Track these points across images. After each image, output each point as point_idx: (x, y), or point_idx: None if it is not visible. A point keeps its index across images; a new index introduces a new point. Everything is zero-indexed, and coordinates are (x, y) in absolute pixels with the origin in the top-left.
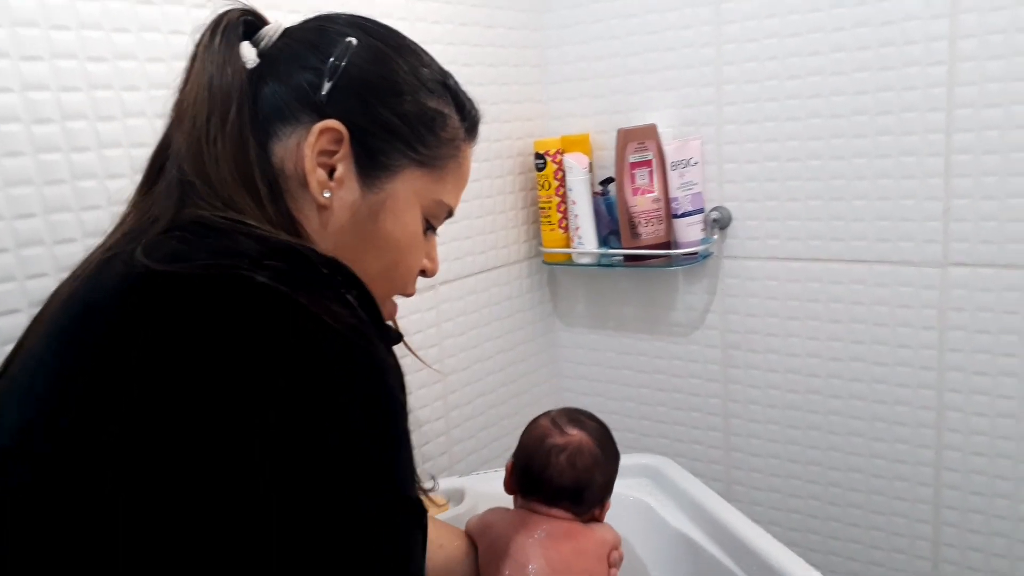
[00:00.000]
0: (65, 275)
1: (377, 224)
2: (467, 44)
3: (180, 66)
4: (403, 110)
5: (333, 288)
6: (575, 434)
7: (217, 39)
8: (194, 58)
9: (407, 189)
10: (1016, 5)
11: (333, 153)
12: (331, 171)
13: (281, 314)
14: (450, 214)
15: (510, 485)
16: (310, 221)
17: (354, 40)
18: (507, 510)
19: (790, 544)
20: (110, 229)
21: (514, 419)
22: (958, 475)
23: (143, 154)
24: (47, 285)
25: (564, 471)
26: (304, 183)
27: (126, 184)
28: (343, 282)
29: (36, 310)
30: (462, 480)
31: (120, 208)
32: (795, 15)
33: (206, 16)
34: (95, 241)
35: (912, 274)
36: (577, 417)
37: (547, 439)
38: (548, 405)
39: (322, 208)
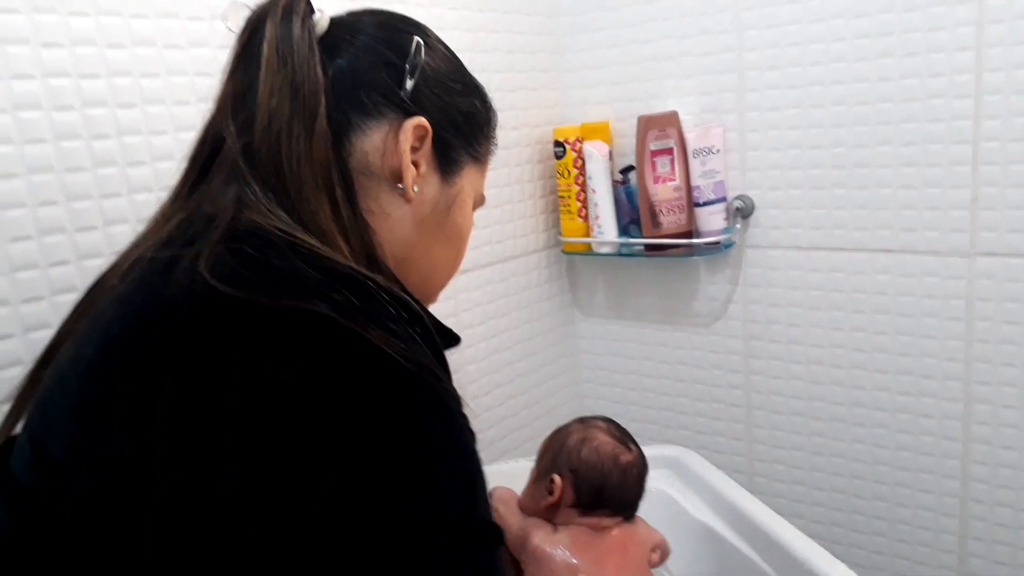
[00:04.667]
0: (88, 263)
1: (450, 217)
2: (484, 30)
3: (199, 53)
4: (467, 108)
5: (399, 323)
6: (635, 448)
7: (296, 28)
8: (255, 45)
9: (467, 183)
10: None
11: (416, 149)
12: (415, 166)
13: (354, 354)
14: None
15: (560, 501)
16: (386, 218)
17: (420, 39)
18: (551, 530)
19: (814, 537)
20: (152, 219)
21: (532, 409)
22: (986, 468)
23: (163, 142)
24: (69, 273)
25: (635, 486)
26: (390, 177)
27: (147, 172)
28: (408, 317)
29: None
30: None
31: (142, 196)
32: (817, 1)
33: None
34: (117, 229)
35: (938, 264)
36: (622, 429)
37: (620, 457)
38: (567, 396)
39: (407, 202)
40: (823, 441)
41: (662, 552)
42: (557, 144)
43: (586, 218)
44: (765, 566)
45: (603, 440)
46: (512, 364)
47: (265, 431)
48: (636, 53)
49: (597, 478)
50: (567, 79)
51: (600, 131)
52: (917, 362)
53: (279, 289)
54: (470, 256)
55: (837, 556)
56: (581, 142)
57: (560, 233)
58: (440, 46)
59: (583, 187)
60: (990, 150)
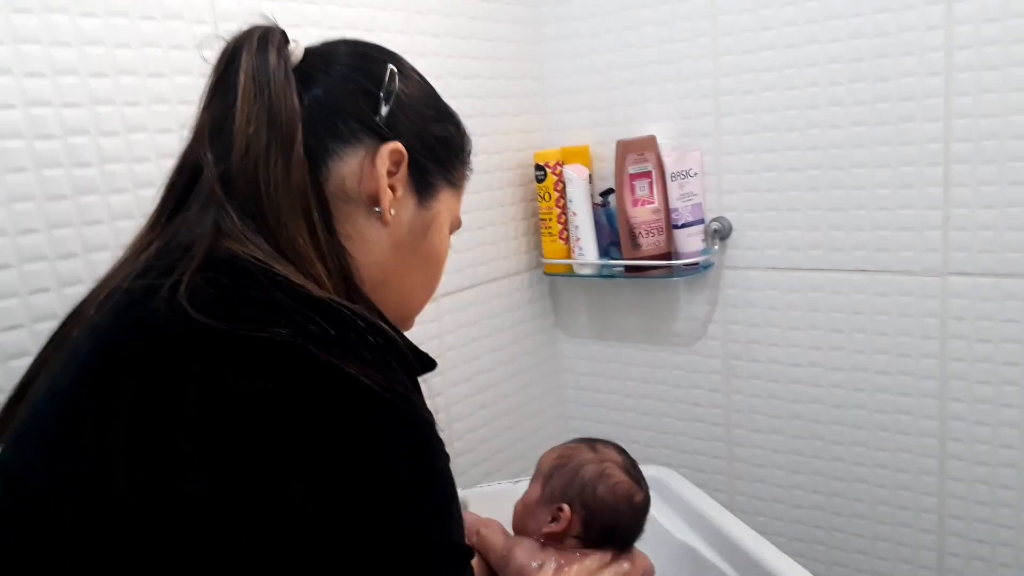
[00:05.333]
0: (69, 291)
1: (427, 240)
2: (466, 57)
3: (182, 81)
4: (441, 134)
5: (373, 350)
6: (644, 485)
7: (271, 58)
8: (231, 75)
9: (443, 207)
10: (1009, 16)
11: (393, 174)
12: (392, 190)
13: (325, 379)
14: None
15: (567, 535)
16: (364, 241)
17: (394, 68)
18: (538, 550)
19: (794, 555)
20: (128, 248)
21: (516, 431)
22: (962, 484)
23: (145, 169)
24: (50, 301)
25: (641, 525)
26: (367, 201)
27: (129, 199)
28: (383, 343)
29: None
30: (464, 492)
31: (124, 223)
32: (791, 27)
33: (233, 29)
34: (98, 257)
35: (912, 283)
36: (631, 460)
37: (635, 498)
38: (551, 416)
39: (384, 225)
40: (802, 459)
41: None
42: (538, 168)
43: (567, 240)
44: None
45: (620, 479)
46: (495, 385)
47: (225, 443)
48: (615, 79)
49: (610, 519)
50: (548, 104)
51: (580, 155)
52: (893, 380)
53: (255, 319)
54: (453, 278)
55: (817, 573)
56: (562, 166)
57: (542, 255)
58: (414, 74)
59: (564, 210)
60: (961, 172)
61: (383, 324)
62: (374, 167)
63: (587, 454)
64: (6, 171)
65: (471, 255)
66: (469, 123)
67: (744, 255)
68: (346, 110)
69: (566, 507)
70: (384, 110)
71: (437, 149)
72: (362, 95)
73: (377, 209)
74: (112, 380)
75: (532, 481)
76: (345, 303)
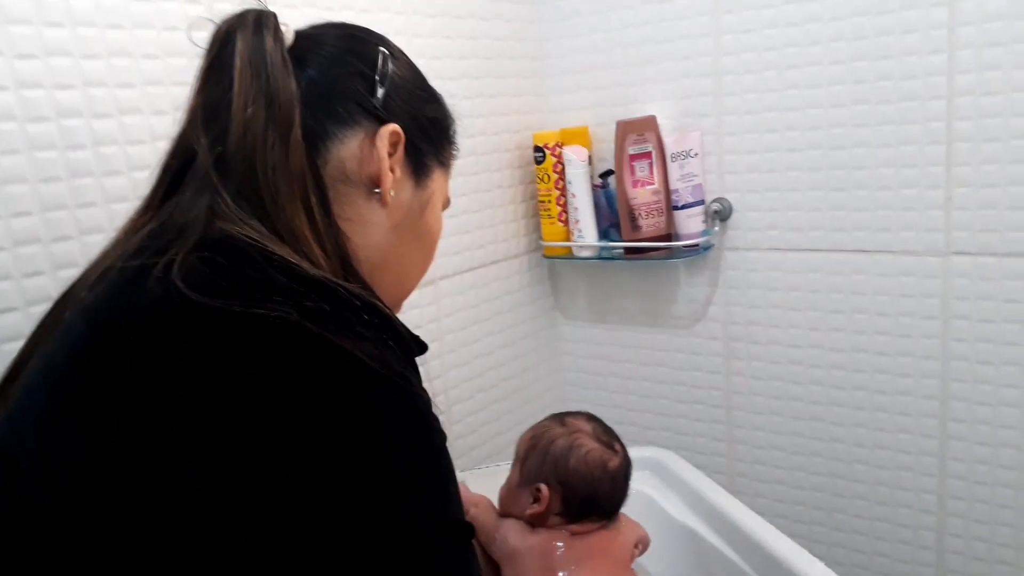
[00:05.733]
0: (63, 273)
1: (423, 220)
2: (463, 37)
3: (175, 63)
4: (433, 115)
5: (370, 328)
6: (619, 448)
7: (267, 41)
8: (225, 58)
9: (436, 187)
10: None
11: (391, 155)
12: (391, 171)
13: (323, 357)
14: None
15: (547, 511)
16: (362, 224)
17: (385, 50)
18: (527, 531)
19: (794, 536)
20: (121, 230)
21: (516, 414)
22: (963, 465)
23: (139, 152)
24: (43, 284)
25: (622, 490)
26: (367, 183)
27: (123, 182)
28: (379, 322)
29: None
30: (463, 475)
31: (118, 206)
32: (792, 4)
33: (226, 11)
34: (93, 239)
35: (914, 263)
36: (603, 426)
37: (609, 464)
38: (550, 400)
39: (383, 207)
40: (803, 441)
41: (643, 546)
42: (537, 149)
43: (566, 222)
44: (745, 566)
45: (591, 447)
46: (495, 368)
47: (217, 429)
48: (615, 58)
49: (586, 489)
50: (546, 85)
51: (579, 136)
52: (894, 361)
53: (250, 297)
54: (451, 261)
55: (817, 555)
56: (561, 147)
57: (541, 238)
58: (402, 56)
59: (563, 192)
60: (963, 151)
61: (379, 303)
62: (374, 149)
63: (557, 429)
64: None
65: (469, 238)
66: (466, 104)
67: (745, 236)
68: (343, 92)
69: (543, 487)
70: (380, 92)
71: (430, 130)
72: (358, 77)
73: (377, 191)
74: (105, 360)
75: (512, 466)
76: (341, 282)
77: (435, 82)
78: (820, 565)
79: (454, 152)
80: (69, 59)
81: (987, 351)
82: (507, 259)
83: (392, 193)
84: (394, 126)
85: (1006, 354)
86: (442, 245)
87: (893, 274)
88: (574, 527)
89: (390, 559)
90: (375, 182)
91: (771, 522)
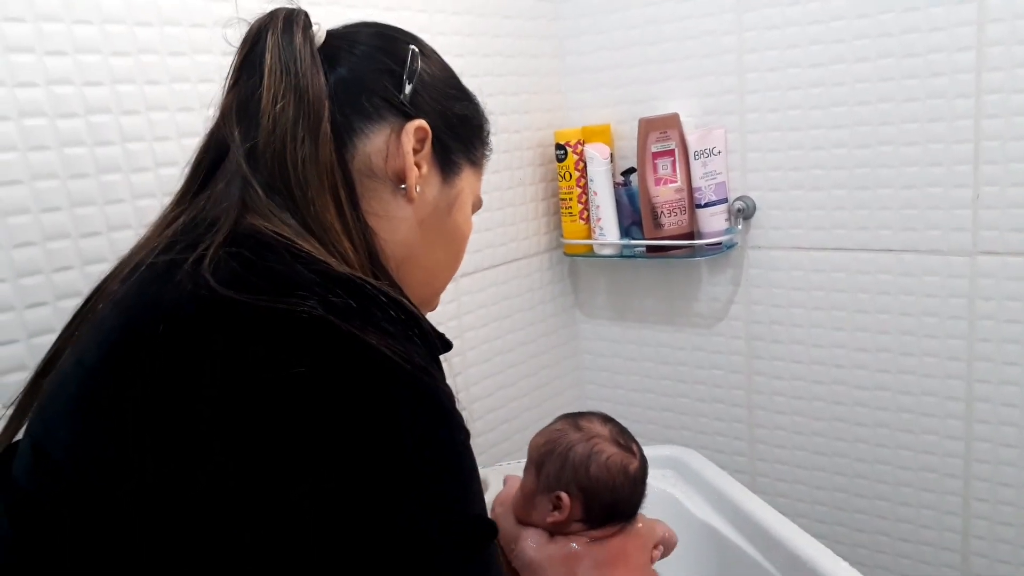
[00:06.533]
0: (91, 268)
1: (451, 218)
2: (486, 35)
3: (202, 60)
4: (463, 112)
5: (395, 324)
6: (636, 449)
7: (297, 39)
8: (256, 55)
9: (466, 186)
10: None
11: (418, 151)
12: (417, 167)
13: (349, 352)
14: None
15: (570, 521)
16: (389, 219)
17: (416, 48)
18: (546, 540)
19: (816, 536)
20: (153, 224)
21: (535, 411)
22: (988, 467)
23: (165, 148)
24: (72, 278)
25: (642, 491)
26: (392, 179)
27: (150, 178)
28: (404, 319)
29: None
30: (484, 471)
31: (145, 202)
32: (816, 2)
33: (257, 10)
34: (120, 235)
35: (940, 263)
36: (619, 427)
37: (629, 468)
38: (570, 398)
39: (409, 203)
40: (825, 441)
41: (666, 546)
42: (559, 147)
43: (588, 220)
44: (768, 565)
45: (611, 453)
46: (515, 366)
47: (242, 429)
48: (637, 56)
49: (609, 496)
50: (568, 82)
51: (601, 134)
52: (919, 361)
53: (277, 291)
54: (472, 259)
55: (840, 555)
56: (582, 145)
57: (562, 235)
58: (434, 55)
59: (585, 189)
60: (991, 149)
61: (405, 300)
62: (400, 144)
63: (573, 435)
64: (29, 149)
65: (491, 235)
66: (489, 102)
67: (768, 235)
68: (371, 88)
69: (564, 495)
70: (408, 88)
71: (459, 128)
72: (386, 74)
73: (403, 186)
74: (134, 354)
75: (525, 469)
76: (367, 279)
77: None
78: (845, 564)
79: (486, 152)
80: (98, 56)
81: (1014, 352)
82: (528, 257)
83: (418, 189)
84: (420, 121)
85: None
86: None
87: (918, 274)
88: (594, 533)
89: (411, 555)
90: (400, 177)
91: (793, 522)
